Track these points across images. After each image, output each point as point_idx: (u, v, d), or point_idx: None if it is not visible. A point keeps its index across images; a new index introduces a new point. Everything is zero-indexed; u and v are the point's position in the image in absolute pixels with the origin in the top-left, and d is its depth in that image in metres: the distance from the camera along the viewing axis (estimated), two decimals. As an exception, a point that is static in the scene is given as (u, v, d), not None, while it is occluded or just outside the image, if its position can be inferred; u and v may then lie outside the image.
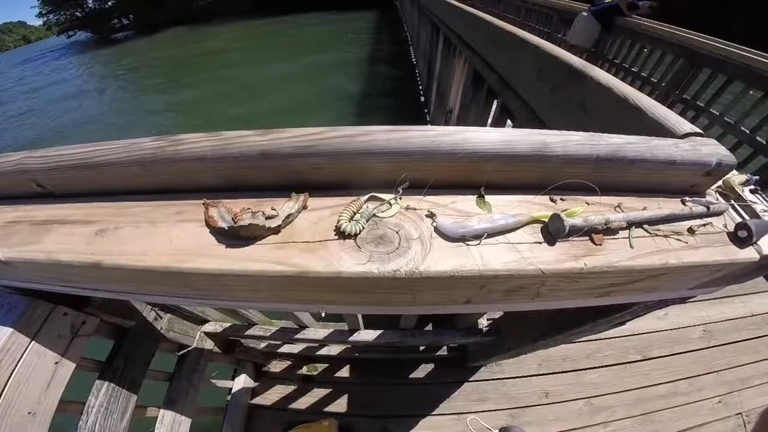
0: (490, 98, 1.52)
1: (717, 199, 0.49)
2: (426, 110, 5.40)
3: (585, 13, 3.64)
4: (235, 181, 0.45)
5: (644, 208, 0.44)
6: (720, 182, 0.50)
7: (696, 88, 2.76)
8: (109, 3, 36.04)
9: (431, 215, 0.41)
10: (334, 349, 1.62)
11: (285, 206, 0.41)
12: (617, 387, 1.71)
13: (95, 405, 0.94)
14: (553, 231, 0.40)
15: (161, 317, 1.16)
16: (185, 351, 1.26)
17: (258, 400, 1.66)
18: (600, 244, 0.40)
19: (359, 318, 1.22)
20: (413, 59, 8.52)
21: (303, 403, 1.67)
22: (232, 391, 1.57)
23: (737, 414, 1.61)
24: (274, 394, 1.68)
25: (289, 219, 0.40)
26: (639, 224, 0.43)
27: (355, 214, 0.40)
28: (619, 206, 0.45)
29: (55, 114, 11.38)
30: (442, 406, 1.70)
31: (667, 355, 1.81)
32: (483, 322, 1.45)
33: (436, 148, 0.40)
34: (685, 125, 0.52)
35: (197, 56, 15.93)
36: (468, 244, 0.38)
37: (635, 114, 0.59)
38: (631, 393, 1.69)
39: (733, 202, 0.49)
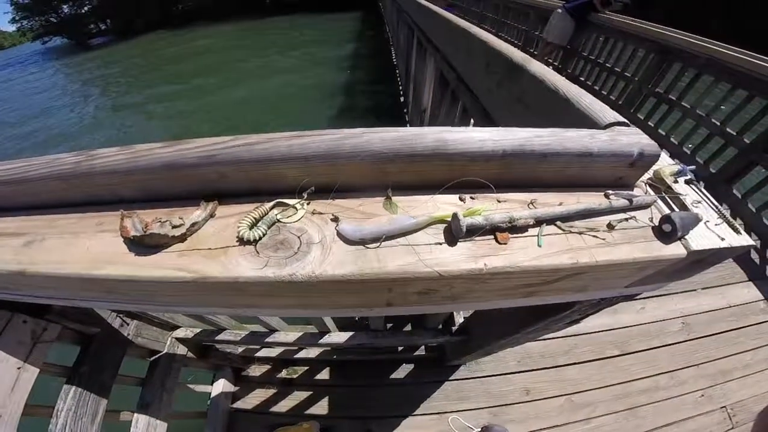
0: (455, 97, 1.54)
1: (647, 191, 0.48)
2: (405, 110, 5.45)
3: (560, 10, 3.71)
4: (148, 192, 0.47)
5: (560, 204, 0.43)
6: (651, 174, 0.49)
7: (668, 82, 2.81)
8: (86, 8, 34.92)
9: (335, 219, 0.42)
10: (312, 352, 1.63)
11: (192, 215, 0.43)
12: (598, 383, 1.71)
13: (64, 409, 0.96)
14: (453, 231, 0.39)
15: (128, 324, 1.17)
16: (156, 357, 1.27)
17: (239, 404, 1.66)
18: (505, 244, 0.39)
19: (328, 320, 1.23)
20: (394, 60, 8.60)
21: (284, 406, 1.66)
22: (211, 396, 1.57)
23: (722, 407, 1.60)
24: (255, 398, 1.68)
25: (194, 227, 0.42)
26: (551, 221, 0.41)
27: (257, 220, 0.41)
28: (532, 203, 0.44)
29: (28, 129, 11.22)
30: (423, 405, 1.70)
31: (647, 350, 1.81)
32: (460, 320, 1.46)
33: (338, 151, 0.41)
34: (608, 114, 0.52)
35: (174, 61, 15.99)
36: (368, 247, 0.38)
37: (564, 105, 0.59)
38: (611, 388, 1.69)
39: (663, 194, 0.48)
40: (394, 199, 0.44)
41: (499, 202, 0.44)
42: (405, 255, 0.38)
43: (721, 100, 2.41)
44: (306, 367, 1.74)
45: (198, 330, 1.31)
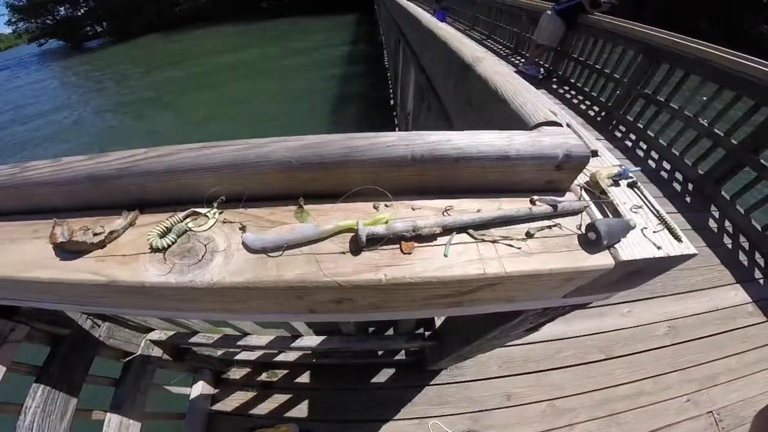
0: (428, 101, 1.55)
1: (581, 196, 0.46)
2: (394, 113, 5.49)
3: (549, 12, 3.74)
4: (79, 201, 0.49)
5: (478, 210, 0.42)
6: (588, 177, 0.47)
7: (657, 83, 2.80)
8: (82, 10, 35.08)
9: (243, 228, 0.42)
10: (291, 355, 1.62)
11: (114, 224, 0.45)
12: (580, 388, 1.68)
13: (32, 407, 0.97)
14: (357, 240, 0.39)
15: (99, 326, 1.18)
16: (130, 358, 1.28)
17: (219, 407, 1.66)
18: (409, 253, 0.38)
19: (300, 324, 1.23)
20: (386, 63, 8.68)
21: (264, 408, 1.66)
22: (190, 398, 1.57)
23: (708, 412, 1.57)
24: (235, 400, 1.68)
25: (113, 235, 0.44)
26: (462, 229, 0.40)
27: (168, 229, 0.43)
28: (447, 210, 0.43)
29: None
30: (403, 410, 1.68)
31: (631, 354, 1.78)
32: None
33: (244, 161, 0.41)
34: (539, 114, 0.51)
35: (168, 64, 16.17)
36: (269, 256, 0.39)
37: (502, 106, 0.59)
38: (594, 394, 1.66)
39: (597, 199, 0.45)
40: (310, 207, 0.44)
41: (413, 209, 0.43)
42: (305, 264, 0.38)
43: (709, 100, 2.40)
44: (286, 371, 1.74)
45: (171, 333, 1.32)
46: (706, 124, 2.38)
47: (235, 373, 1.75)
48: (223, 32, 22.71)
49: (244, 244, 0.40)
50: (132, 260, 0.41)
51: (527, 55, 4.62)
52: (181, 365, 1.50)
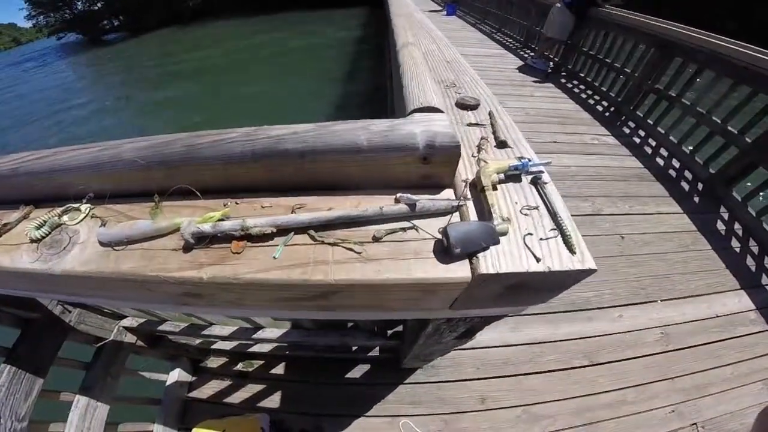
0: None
1: (462, 194, 0.41)
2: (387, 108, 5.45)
3: (559, 5, 3.59)
4: None
5: (330, 209, 0.39)
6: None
7: (669, 78, 2.63)
8: (99, 5, 35.93)
9: (104, 223, 0.44)
10: (266, 347, 1.64)
11: (11, 217, 0.49)
12: (560, 394, 1.62)
13: (-4, 385, 1.01)
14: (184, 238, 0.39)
15: (69, 311, 1.22)
16: (102, 343, 1.33)
17: (195, 394, 1.70)
18: (238, 252, 0.37)
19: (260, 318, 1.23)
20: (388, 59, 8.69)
21: (238, 397, 1.68)
22: (166, 384, 1.62)
23: (692, 425, 1.48)
24: (210, 388, 1.71)
25: (7, 227, 0.47)
26: (303, 229, 0.37)
27: (44, 222, 0.46)
28: (296, 208, 0.41)
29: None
30: (376, 407, 1.67)
31: (618, 361, 1.69)
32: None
33: (99, 161, 0.44)
34: (417, 99, 0.48)
35: (183, 59, 16.41)
36: (115, 249, 0.40)
37: (401, 91, 0.56)
38: (574, 401, 1.59)
39: (480, 197, 0.40)
40: (170, 204, 0.45)
41: (263, 207, 0.42)
42: (140, 259, 0.38)
43: (723, 97, 2.23)
44: (262, 361, 1.76)
45: (143, 320, 1.35)
46: (719, 122, 2.22)
47: (213, 362, 1.78)
48: (236, 26, 22.96)
49: (98, 237, 0.42)
50: (15, 249, 0.44)
51: (537, 48, 4.45)
52: (155, 352, 1.54)
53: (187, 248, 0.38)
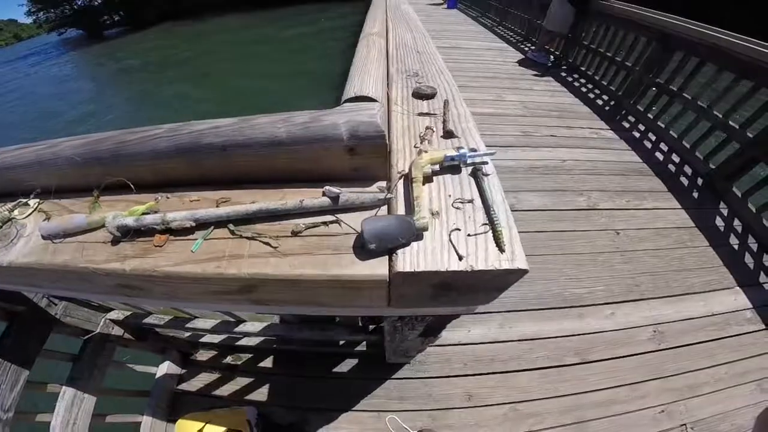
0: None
1: (390, 187, 0.39)
2: None
3: None
4: None
5: (253, 202, 0.39)
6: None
7: (670, 72, 2.56)
8: (98, 0, 35.82)
9: (48, 217, 0.45)
10: (254, 340, 1.65)
11: None
12: (548, 392, 1.60)
13: (-19, 376, 1.03)
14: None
15: (55, 304, 1.24)
16: (89, 336, 1.35)
17: (184, 386, 1.71)
18: (160, 246, 0.37)
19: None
20: None
21: (226, 390, 1.70)
22: (156, 377, 1.64)
23: (681, 425, 1.45)
24: (200, 381, 1.73)
25: None
26: (222, 223, 0.37)
27: None
28: (221, 202, 0.41)
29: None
30: (363, 402, 1.67)
31: (610, 359, 1.67)
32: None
33: (42, 159, 0.45)
34: (353, 89, 0.46)
35: (185, 53, 16.44)
36: (54, 242, 0.41)
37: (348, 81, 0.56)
38: (563, 399, 1.57)
39: (410, 190, 0.39)
40: (112, 199, 0.45)
41: (191, 201, 0.42)
42: (74, 251, 0.39)
43: (724, 91, 2.16)
44: (250, 355, 1.77)
45: (128, 312, 1.37)
46: (720, 116, 2.15)
47: (203, 355, 1.80)
48: (240, 19, 22.81)
49: (40, 230, 0.43)
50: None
51: (537, 42, 4.37)
52: (144, 345, 1.56)
53: (115, 241, 0.39)
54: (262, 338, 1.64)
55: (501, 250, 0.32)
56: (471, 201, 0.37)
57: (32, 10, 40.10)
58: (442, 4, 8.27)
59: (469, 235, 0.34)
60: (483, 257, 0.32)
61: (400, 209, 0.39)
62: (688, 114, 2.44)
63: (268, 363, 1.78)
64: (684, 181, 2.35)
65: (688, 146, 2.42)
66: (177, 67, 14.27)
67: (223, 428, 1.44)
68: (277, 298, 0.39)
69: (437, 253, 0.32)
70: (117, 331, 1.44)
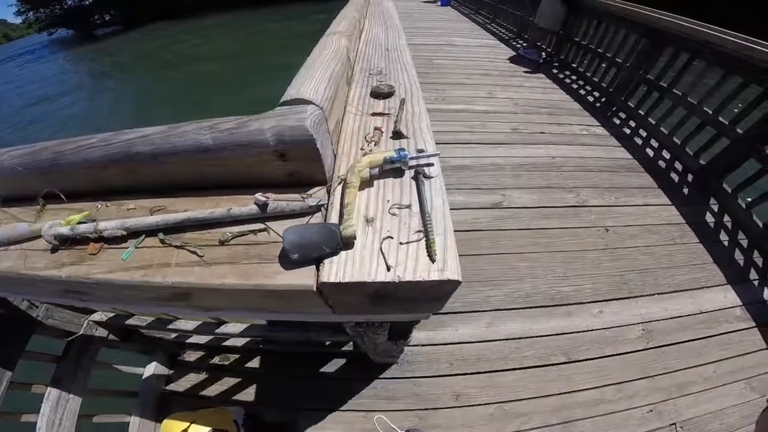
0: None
1: (332, 191, 0.39)
2: None
3: None
4: None
5: (185, 210, 0.39)
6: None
7: (660, 68, 2.55)
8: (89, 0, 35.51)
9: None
10: (240, 341, 1.65)
11: None
12: (535, 392, 1.59)
13: (-36, 377, 1.03)
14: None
15: (36, 306, 1.24)
16: (72, 337, 1.35)
17: (172, 387, 1.71)
18: (95, 254, 0.38)
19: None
20: None
21: (214, 390, 1.69)
22: (143, 377, 1.64)
23: (670, 425, 1.44)
24: (187, 381, 1.72)
25: None
26: (152, 232, 0.37)
27: None
28: (155, 210, 0.41)
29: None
30: (350, 402, 1.66)
31: (597, 358, 1.66)
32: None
33: None
34: (291, 92, 0.44)
35: (174, 53, 16.39)
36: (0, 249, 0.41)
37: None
38: (550, 399, 1.57)
39: (343, 195, 0.39)
40: (59, 207, 0.45)
41: (128, 209, 0.42)
42: (17, 258, 0.39)
43: (714, 87, 2.15)
44: (237, 355, 1.77)
45: (112, 315, 1.37)
46: (711, 112, 2.14)
47: (191, 356, 1.80)
48: (237, 18, 22.56)
49: None
50: None
51: (529, 38, 4.36)
52: (130, 346, 1.56)
53: (54, 249, 0.39)
54: (247, 339, 1.64)
55: (432, 260, 0.31)
56: (409, 206, 0.36)
57: (21, 9, 39.72)
58: (435, 1, 8.24)
59: (401, 243, 0.33)
60: (412, 268, 0.30)
61: (334, 217, 0.38)
62: (678, 110, 2.43)
63: (255, 363, 1.78)
64: (674, 177, 2.34)
65: (678, 142, 2.42)
66: (167, 66, 14.21)
67: (209, 428, 1.44)
68: (217, 305, 0.39)
69: (366, 263, 0.31)
70: (101, 332, 1.43)
